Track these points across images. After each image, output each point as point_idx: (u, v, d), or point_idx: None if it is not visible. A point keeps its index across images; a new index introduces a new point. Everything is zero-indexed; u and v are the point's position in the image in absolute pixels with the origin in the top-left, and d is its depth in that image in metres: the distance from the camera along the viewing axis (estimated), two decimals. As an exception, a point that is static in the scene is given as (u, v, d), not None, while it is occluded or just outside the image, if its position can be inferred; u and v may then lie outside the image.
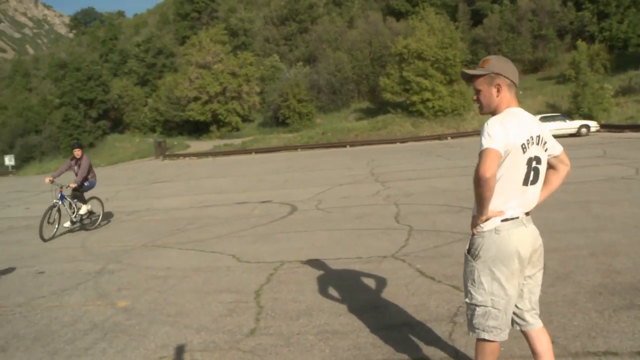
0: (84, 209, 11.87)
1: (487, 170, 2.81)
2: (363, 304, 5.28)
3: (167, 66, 78.84)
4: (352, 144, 47.17)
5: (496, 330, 3.09)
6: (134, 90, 76.86)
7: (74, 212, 11.71)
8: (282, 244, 8.59)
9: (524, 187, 3.08)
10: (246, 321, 5.09)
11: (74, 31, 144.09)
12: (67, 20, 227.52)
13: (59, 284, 7.16)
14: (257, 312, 5.33)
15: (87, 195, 12.34)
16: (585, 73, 41.02)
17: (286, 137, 55.45)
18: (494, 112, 3.12)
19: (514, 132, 2.96)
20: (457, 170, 18.10)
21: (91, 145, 72.38)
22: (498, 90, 3.10)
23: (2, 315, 6.01)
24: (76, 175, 11.73)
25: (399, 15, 69.03)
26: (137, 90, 77.15)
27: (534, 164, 3.08)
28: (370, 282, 5.97)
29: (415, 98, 50.90)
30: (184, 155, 53.84)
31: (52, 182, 11.36)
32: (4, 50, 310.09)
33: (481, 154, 2.87)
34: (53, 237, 11.04)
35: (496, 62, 3.13)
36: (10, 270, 8.31)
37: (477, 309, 3.10)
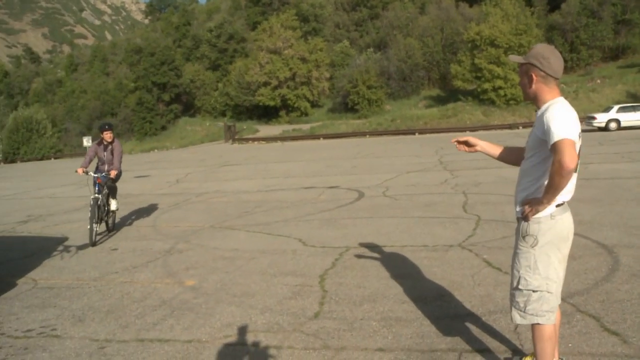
0: (114, 205, 9.91)
1: (572, 162, 2.80)
2: (427, 293, 5.23)
3: (238, 51, 79.91)
4: (421, 132, 46.68)
5: (548, 314, 3.15)
6: (205, 75, 78.40)
7: (106, 211, 9.63)
8: (348, 229, 8.60)
9: (575, 173, 3.08)
10: (310, 304, 5.14)
11: (149, 17, 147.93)
12: (143, 7, 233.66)
13: (131, 261, 7.42)
14: (322, 296, 5.37)
15: None
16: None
17: (355, 124, 55.38)
18: (535, 101, 3.15)
19: (575, 121, 2.96)
20: (528, 160, 17.60)
21: (163, 128, 74.45)
22: (530, 81, 3.11)
23: (79, 287, 6.29)
24: (104, 163, 9.66)
25: (472, 0, 67.51)
26: (208, 75, 78.65)
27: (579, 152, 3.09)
28: (436, 271, 5.91)
29: (486, 86, 49.86)
30: (253, 140, 54.63)
31: (86, 172, 9.32)
32: (85, 37, 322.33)
33: (559, 145, 2.83)
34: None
35: (536, 52, 3.11)
36: (86, 246, 8.67)
37: (533, 294, 3.14)
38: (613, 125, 33.38)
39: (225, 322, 4.85)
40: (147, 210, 12.36)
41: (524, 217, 3.14)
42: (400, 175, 15.83)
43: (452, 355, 3.89)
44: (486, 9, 53.14)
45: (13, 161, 65.97)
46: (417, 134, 46.14)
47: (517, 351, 3.87)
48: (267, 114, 68.48)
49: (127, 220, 11.24)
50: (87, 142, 65.28)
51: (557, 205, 3.07)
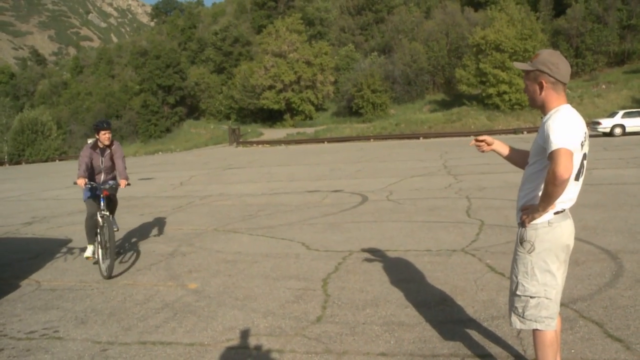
0: (116, 226, 7.72)
1: (566, 172, 2.79)
2: (430, 297, 5.22)
3: (243, 54, 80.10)
4: (426, 136, 46.66)
5: (548, 319, 3.14)
6: (210, 78, 78.60)
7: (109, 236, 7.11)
8: (351, 233, 8.59)
9: (575, 182, 3.08)
10: (313, 308, 5.13)
11: (155, 20, 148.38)
12: (149, 9, 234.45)
13: (133, 264, 7.43)
14: (324, 300, 5.36)
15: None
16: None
17: (359, 127, 55.41)
18: (542, 108, 3.14)
19: (577, 129, 2.95)
20: (533, 165, 17.58)
21: (168, 130, 74.61)
22: (541, 88, 3.09)
23: (82, 290, 6.30)
24: (101, 173, 7.54)
25: (477, 5, 67.58)
26: (213, 78, 78.83)
27: (583, 160, 3.09)
28: (439, 276, 5.89)
29: (491, 90, 49.85)
30: (257, 143, 54.67)
31: (90, 185, 7.26)
32: (91, 39, 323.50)
33: (556, 153, 2.82)
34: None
35: (544, 58, 3.09)
36: (89, 248, 8.66)
37: (531, 300, 3.14)
38: (618, 130, 33.33)
39: (228, 325, 4.85)
40: (151, 213, 12.37)
41: (521, 223, 3.16)
42: (404, 179, 15.81)
43: (455, 361, 3.88)
44: (491, 13, 53.17)
45: (18, 162, 66.22)
46: (421, 138, 46.12)
47: (519, 357, 3.86)
48: (271, 117, 68.56)
49: (131, 222, 11.25)
50: (91, 144, 65.50)
51: (556, 213, 3.07)
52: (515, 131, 44.77)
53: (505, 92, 49.32)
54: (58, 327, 5.08)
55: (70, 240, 9.48)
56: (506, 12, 51.43)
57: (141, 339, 4.64)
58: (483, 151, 3.67)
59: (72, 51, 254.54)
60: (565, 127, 2.89)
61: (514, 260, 3.24)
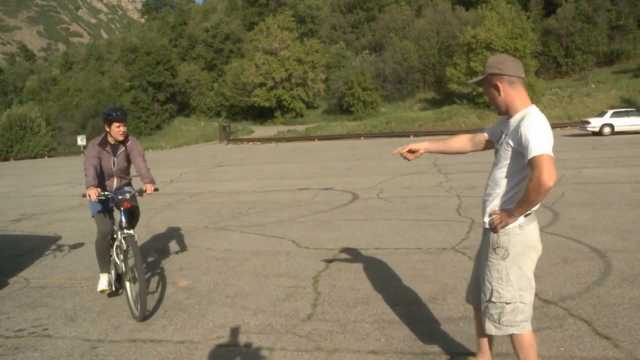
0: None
1: (551, 179, 2.75)
2: (421, 295, 5.24)
3: (234, 52, 79.95)
4: (416, 134, 46.75)
5: (523, 323, 3.12)
6: (201, 75, 78.42)
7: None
8: (342, 231, 8.60)
9: None
10: (303, 306, 5.13)
11: (145, 16, 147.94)
12: (139, 6, 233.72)
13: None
14: (315, 297, 5.36)
15: None
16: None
17: (350, 125, 55.46)
18: (508, 112, 3.11)
19: (551, 133, 2.94)
20: (522, 164, 17.66)
21: (158, 127, 74.39)
22: (497, 90, 3.09)
23: (71, 287, 6.27)
24: (113, 176, 5.85)
25: (468, 4, 67.79)
26: (204, 75, 78.67)
27: None
28: (429, 274, 5.91)
29: (482, 89, 49.94)
30: (248, 140, 54.62)
31: (105, 196, 5.48)
32: (80, 35, 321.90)
33: (540, 160, 2.77)
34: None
35: (490, 62, 3.12)
36: (79, 245, 8.63)
37: (507, 306, 3.10)
38: (607, 130, 33.53)
39: (218, 323, 4.84)
40: (140, 210, 12.31)
41: (492, 229, 3.11)
42: (395, 177, 15.84)
43: (445, 359, 3.90)
44: (482, 12, 53.31)
45: (6, 159, 65.78)
46: (412, 136, 46.19)
47: (509, 355, 3.87)
48: (262, 114, 68.50)
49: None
50: (81, 140, 65.22)
51: (525, 215, 3.05)
52: (505, 130, 44.94)
53: (496, 91, 49.49)
54: (47, 324, 5.06)
55: (59, 238, 9.43)
56: (497, 11, 51.59)
57: (131, 336, 4.62)
58: (409, 159, 3.70)
59: (61, 47, 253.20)
60: (544, 133, 2.86)
61: (487, 267, 3.17)
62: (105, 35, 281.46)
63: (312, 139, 50.98)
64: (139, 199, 6.05)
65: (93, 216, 5.86)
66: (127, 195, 5.55)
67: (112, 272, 5.78)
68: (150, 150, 58.49)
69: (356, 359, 3.97)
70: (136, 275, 5.12)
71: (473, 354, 3.80)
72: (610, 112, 34.76)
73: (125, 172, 5.97)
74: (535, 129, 2.86)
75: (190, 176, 20.99)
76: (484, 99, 49.96)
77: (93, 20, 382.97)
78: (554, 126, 44.59)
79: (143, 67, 75.01)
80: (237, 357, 4.15)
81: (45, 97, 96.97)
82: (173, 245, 8.24)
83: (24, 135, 69.60)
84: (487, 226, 3.16)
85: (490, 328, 3.20)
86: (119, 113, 5.66)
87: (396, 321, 4.63)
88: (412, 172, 16.93)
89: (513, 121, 3.04)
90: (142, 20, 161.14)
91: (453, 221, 8.82)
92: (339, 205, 11.36)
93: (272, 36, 65.87)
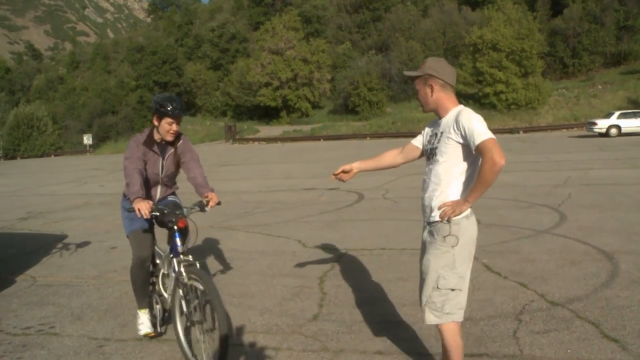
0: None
1: (501, 158, 2.93)
2: (427, 296, 5.23)
3: (240, 51, 79.91)
4: (422, 135, 46.57)
5: (461, 311, 3.26)
6: (206, 75, 78.39)
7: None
8: (347, 231, 8.60)
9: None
10: (309, 306, 5.13)
11: (151, 16, 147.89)
12: (145, 5, 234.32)
13: (129, 260, 7.38)
14: (321, 298, 5.37)
15: None
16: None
17: (355, 125, 55.38)
18: (437, 111, 3.32)
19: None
20: (528, 165, 17.65)
21: (164, 127, 74.31)
22: (431, 91, 3.26)
23: (78, 286, 6.29)
24: (157, 184, 4.71)
25: (474, 4, 67.58)
26: (209, 75, 78.64)
27: None
28: (435, 275, 5.90)
29: (488, 90, 49.92)
30: (254, 140, 54.61)
31: (159, 211, 4.19)
32: (87, 34, 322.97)
33: (488, 143, 2.95)
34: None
35: (431, 64, 3.30)
36: (85, 244, 8.67)
37: (451, 293, 3.20)
38: (614, 131, 33.42)
39: (224, 322, 4.84)
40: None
41: (447, 220, 3.16)
42: (400, 177, 15.82)
43: None
44: (489, 13, 53.17)
45: (13, 158, 65.96)
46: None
47: (515, 356, 3.86)
48: (268, 114, 68.46)
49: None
50: (87, 139, 65.41)
51: None
52: (511, 130, 44.84)
53: (502, 92, 49.36)
54: (54, 323, 5.07)
55: (65, 236, 9.45)
56: (503, 12, 51.45)
57: (137, 335, 4.62)
58: (344, 180, 3.92)
59: (68, 46, 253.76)
60: (481, 120, 3.08)
61: (432, 256, 3.23)
62: (111, 35, 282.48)
63: (317, 138, 50.94)
64: None
65: (130, 234, 4.58)
66: (185, 211, 4.31)
67: (158, 306, 4.62)
68: (156, 149, 58.50)
69: (362, 360, 3.97)
70: (215, 321, 3.67)
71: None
72: (617, 113, 34.64)
73: (172, 180, 4.81)
74: (474, 119, 3.07)
75: (196, 175, 20.97)
76: (490, 100, 49.94)
77: (99, 20, 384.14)
78: (560, 127, 44.52)
79: (149, 67, 75.10)
80: (242, 357, 4.15)
81: (52, 96, 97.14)
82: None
83: (31, 134, 69.77)
84: (436, 219, 3.21)
85: (430, 317, 3.26)
86: (175, 106, 4.24)
87: (402, 322, 4.62)
88: (418, 173, 16.87)
89: (447, 119, 3.24)
90: (148, 20, 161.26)
91: (459, 222, 8.79)
92: (344, 205, 11.36)
93: (278, 36, 65.83)
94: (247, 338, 4.47)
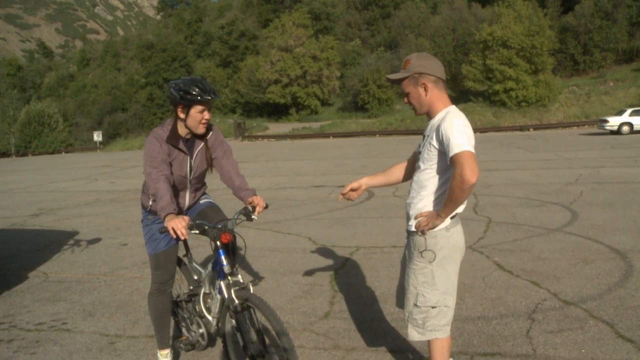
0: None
1: (473, 175, 2.72)
2: (438, 294, 5.21)
3: (249, 49, 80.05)
4: (431, 132, 46.49)
5: (446, 327, 3.10)
6: (216, 72, 78.59)
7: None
8: (357, 229, 8.59)
9: None
10: (321, 304, 5.12)
11: (161, 13, 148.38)
12: (155, 3, 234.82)
13: (140, 257, 7.43)
14: (332, 295, 5.35)
15: None
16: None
17: (365, 123, 55.36)
18: (429, 113, 3.06)
19: (471, 131, 2.90)
20: (539, 163, 17.56)
21: (174, 124, 74.64)
22: (425, 90, 3.00)
23: (90, 282, 6.31)
24: (185, 189, 3.86)
25: (484, 1, 67.30)
26: (219, 72, 78.84)
27: None
28: (447, 273, 5.87)
29: (498, 87, 49.72)
30: (263, 137, 54.71)
31: (203, 228, 3.35)
32: (97, 32, 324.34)
33: (461, 157, 2.74)
34: None
35: (417, 61, 3.01)
36: (96, 240, 8.70)
37: (432, 310, 3.04)
38: (626, 128, 33.22)
39: (236, 319, 4.84)
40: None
41: (421, 231, 3.00)
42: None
43: (464, 358, 3.87)
44: (499, 9, 52.91)
45: (25, 154, 66.38)
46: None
47: (528, 355, 3.84)
48: (277, 111, 68.56)
49: (136, 216, 11.26)
50: (97, 136, 65.72)
51: (451, 217, 3.01)
52: (521, 128, 44.66)
53: (512, 89, 49.17)
54: (66, 319, 5.09)
55: (77, 233, 9.49)
56: (513, 9, 51.19)
57: (149, 332, 4.63)
58: (353, 199, 3.62)
59: (78, 44, 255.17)
60: (464, 130, 2.82)
61: (412, 271, 3.08)
62: (121, 32, 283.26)
63: (327, 136, 50.96)
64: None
65: (153, 254, 3.92)
66: (230, 223, 3.47)
67: (201, 330, 3.91)
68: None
69: (374, 358, 3.95)
70: (285, 353, 3.09)
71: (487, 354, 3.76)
72: (629, 110, 34.43)
73: (201, 180, 3.99)
74: (455, 127, 2.81)
75: (205, 173, 21.02)
76: (500, 97, 49.74)
77: (109, 18, 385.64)
78: (570, 125, 44.28)
79: (159, 64, 75.45)
80: (255, 354, 4.14)
81: (63, 94, 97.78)
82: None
83: (42, 131, 70.25)
84: (412, 229, 3.07)
85: (412, 334, 3.12)
86: (204, 89, 3.44)
87: (414, 320, 4.60)
88: (428, 170, 16.83)
89: (434, 122, 3.00)
90: (158, 17, 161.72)
91: (469, 220, 8.76)
92: (354, 202, 11.34)
93: (287, 33, 65.87)
94: (258, 335, 4.46)
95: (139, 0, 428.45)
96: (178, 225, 3.09)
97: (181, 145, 3.60)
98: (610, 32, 55.45)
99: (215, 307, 3.55)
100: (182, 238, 3.18)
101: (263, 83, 65.95)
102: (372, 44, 73.04)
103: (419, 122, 50.95)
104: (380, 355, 3.98)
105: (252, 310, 3.26)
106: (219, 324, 3.58)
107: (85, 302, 5.57)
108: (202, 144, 3.73)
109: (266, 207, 3.63)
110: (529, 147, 25.64)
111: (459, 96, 57.59)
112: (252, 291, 3.30)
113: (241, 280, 3.36)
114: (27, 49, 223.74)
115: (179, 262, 4.18)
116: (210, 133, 3.76)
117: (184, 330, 4.14)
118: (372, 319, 4.67)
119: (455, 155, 2.74)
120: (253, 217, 3.53)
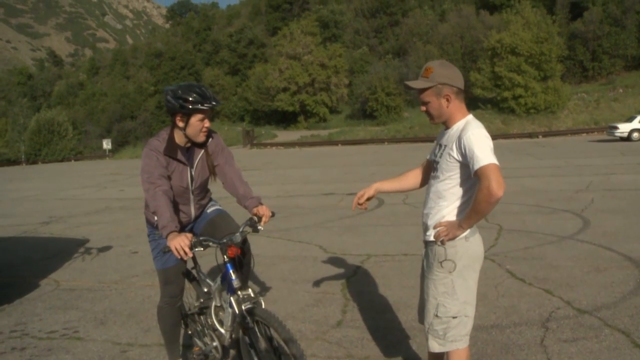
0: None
1: (500, 188, 2.66)
2: (451, 303, 5.18)
3: (257, 56, 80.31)
4: (440, 139, 46.43)
5: (466, 337, 3.05)
6: (224, 80, 78.88)
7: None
8: (368, 237, 8.56)
9: None
10: (333, 312, 5.10)
11: (170, 22, 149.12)
12: (164, 11, 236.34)
13: (151, 265, 7.34)
14: (344, 304, 5.33)
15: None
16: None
17: (373, 130, 55.34)
18: (446, 122, 3.02)
19: (491, 141, 2.86)
20: (549, 170, 17.49)
21: (183, 131, 74.95)
22: (448, 100, 2.95)
23: (101, 290, 6.31)
24: (189, 203, 3.87)
25: (492, 8, 67.19)
26: (227, 80, 79.12)
27: None
28: (459, 281, 5.84)
29: (506, 94, 49.64)
30: (271, 145, 54.77)
31: (200, 244, 3.31)
32: (106, 41, 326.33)
33: (487, 170, 2.69)
34: None
35: (440, 70, 2.94)
36: (107, 248, 8.72)
37: (453, 320, 2.99)
38: (636, 135, 33.06)
39: (247, 328, 4.83)
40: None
41: (440, 242, 2.97)
42: (420, 182, 15.75)
43: (478, 368, 3.84)
44: (507, 16, 52.88)
45: (35, 162, 66.75)
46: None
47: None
48: (285, 119, 68.67)
49: (143, 224, 11.28)
50: (106, 144, 65.99)
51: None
52: (530, 135, 44.51)
53: (520, 96, 49.07)
54: (78, 327, 5.10)
55: (87, 241, 9.52)
56: (522, 16, 51.14)
57: (161, 340, 4.60)
58: (366, 208, 3.64)
59: (88, 52, 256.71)
60: (487, 141, 2.80)
61: (431, 282, 3.05)
62: (130, 41, 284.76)
63: (335, 143, 50.97)
64: None
65: (161, 269, 3.89)
66: (235, 238, 3.44)
67: (214, 343, 3.73)
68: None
69: (388, 367, 3.93)
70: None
71: None
72: (639, 117, 34.25)
73: (204, 189, 3.93)
74: (477, 139, 2.78)
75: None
76: (509, 104, 49.64)
77: (119, 26, 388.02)
78: (579, 131, 44.11)
79: (168, 72, 75.87)
80: (267, 363, 4.13)
81: (72, 102, 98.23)
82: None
83: (52, 139, 70.73)
84: (431, 239, 3.05)
85: (433, 345, 3.07)
86: (204, 95, 3.30)
87: (427, 329, 4.57)
88: (438, 178, 16.80)
89: (452, 132, 2.97)
90: (167, 26, 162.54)
91: (480, 227, 8.64)
92: (364, 210, 11.30)
93: (296, 41, 66.06)
94: (270, 344, 4.44)
95: (148, 9, 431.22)
96: (180, 244, 3.06)
97: (180, 156, 3.47)
98: (619, 38, 55.29)
99: (228, 321, 3.44)
100: (186, 258, 3.13)
101: (271, 91, 66.10)
102: (380, 52, 73.14)
103: (427, 129, 50.90)
104: (394, 364, 3.96)
105: (265, 327, 3.17)
106: (232, 336, 3.44)
107: (96, 310, 5.57)
108: (202, 151, 3.60)
109: (272, 215, 3.66)
110: (538, 154, 25.55)
111: (468, 103, 56.10)
112: (262, 304, 3.24)
113: (252, 295, 3.30)
114: (37, 58, 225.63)
115: (189, 274, 4.09)
116: (210, 140, 3.61)
117: (197, 341, 4.01)
118: (384, 328, 4.64)
119: (481, 168, 2.70)
120: (259, 227, 3.52)
